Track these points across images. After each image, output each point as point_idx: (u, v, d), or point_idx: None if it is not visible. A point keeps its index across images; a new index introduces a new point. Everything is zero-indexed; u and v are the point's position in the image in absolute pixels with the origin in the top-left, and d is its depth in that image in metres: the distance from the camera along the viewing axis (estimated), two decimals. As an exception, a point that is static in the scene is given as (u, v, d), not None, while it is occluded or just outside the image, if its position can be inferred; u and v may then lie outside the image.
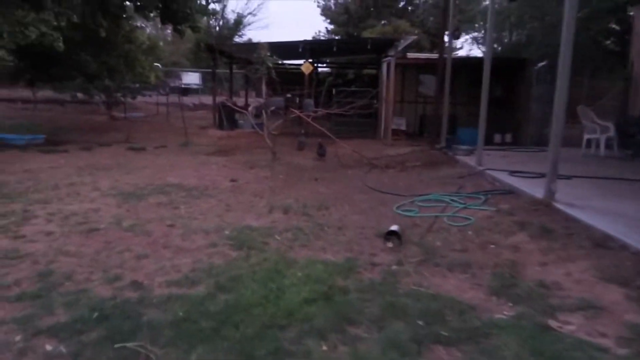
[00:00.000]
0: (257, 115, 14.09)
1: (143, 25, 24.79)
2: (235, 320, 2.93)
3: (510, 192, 6.40)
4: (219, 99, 16.57)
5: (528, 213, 5.20)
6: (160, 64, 21.65)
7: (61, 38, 9.73)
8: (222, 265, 3.90)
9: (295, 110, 11.40)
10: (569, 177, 6.83)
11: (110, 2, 11.13)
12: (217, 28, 30.82)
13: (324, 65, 23.17)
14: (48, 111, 19.45)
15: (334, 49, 16.74)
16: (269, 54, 12.24)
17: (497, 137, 12.45)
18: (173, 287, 3.45)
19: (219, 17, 30.19)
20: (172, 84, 26.05)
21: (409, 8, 33.14)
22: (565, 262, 3.89)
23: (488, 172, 7.76)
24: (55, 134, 12.91)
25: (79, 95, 18.05)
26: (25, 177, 7.39)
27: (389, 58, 13.62)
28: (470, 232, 4.84)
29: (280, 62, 17.12)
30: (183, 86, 28.28)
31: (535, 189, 5.99)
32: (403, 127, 13.94)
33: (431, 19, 29.71)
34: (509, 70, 12.91)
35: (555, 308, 3.15)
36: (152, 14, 13.41)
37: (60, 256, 4.04)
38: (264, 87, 15.04)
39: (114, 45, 13.56)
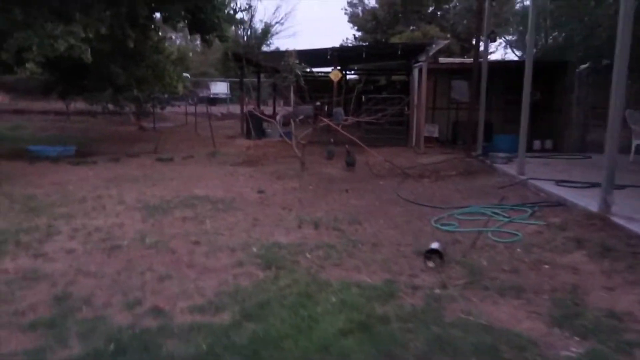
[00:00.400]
0: (285, 124, 13.86)
1: (172, 37, 25.10)
2: (264, 356, 2.63)
3: (558, 204, 5.91)
4: (246, 108, 16.44)
5: (583, 228, 4.74)
6: (189, 74, 21.77)
7: (89, 50, 9.70)
8: (249, 287, 3.60)
9: (325, 119, 11.10)
10: (622, 187, 6.29)
11: (138, 13, 11.12)
12: (245, 38, 30.93)
13: (352, 72, 22.86)
14: (80, 123, 19.76)
15: (363, 55, 16.38)
16: (297, 61, 12.00)
17: (537, 144, 11.84)
18: (196, 313, 3.18)
19: (247, 27, 30.26)
20: (200, 94, 26.19)
21: (439, 13, 32.58)
22: (634, 286, 3.44)
23: (531, 181, 7.28)
24: (86, 146, 12.98)
25: (110, 106, 18.25)
26: (53, 190, 7.31)
27: (420, 63, 13.20)
28: (519, 250, 4.41)
29: (308, 69, 16.88)
30: (211, 96, 28.41)
31: (587, 201, 5.51)
32: (435, 135, 13.46)
33: (464, 22, 29.03)
34: (548, 73, 12.29)
35: (631, 344, 2.73)
36: (180, 24, 13.40)
37: (80, 277, 3.82)
38: (292, 96, 14.80)
39: (143, 56, 13.57)
